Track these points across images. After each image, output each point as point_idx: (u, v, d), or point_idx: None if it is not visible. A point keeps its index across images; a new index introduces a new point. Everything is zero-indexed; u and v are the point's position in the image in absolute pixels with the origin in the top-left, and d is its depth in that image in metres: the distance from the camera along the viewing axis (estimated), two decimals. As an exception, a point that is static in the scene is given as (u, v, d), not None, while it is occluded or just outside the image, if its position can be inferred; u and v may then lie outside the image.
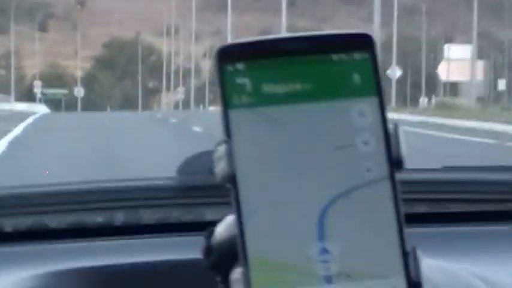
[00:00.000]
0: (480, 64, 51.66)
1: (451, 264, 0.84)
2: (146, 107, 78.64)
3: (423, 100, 60.04)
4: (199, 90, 78.54)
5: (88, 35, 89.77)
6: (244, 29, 73.85)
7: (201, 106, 70.06)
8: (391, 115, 0.55)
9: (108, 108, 73.97)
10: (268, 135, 0.50)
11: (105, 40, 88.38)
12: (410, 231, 0.48)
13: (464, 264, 0.87)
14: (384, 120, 0.49)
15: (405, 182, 0.51)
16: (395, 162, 0.49)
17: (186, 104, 72.92)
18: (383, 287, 0.47)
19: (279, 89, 0.50)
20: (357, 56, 0.49)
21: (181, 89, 74.61)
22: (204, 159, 0.73)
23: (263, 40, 0.50)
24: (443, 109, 41.40)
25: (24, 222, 0.96)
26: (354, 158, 0.49)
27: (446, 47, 61.00)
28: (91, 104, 75.63)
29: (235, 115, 0.49)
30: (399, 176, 0.49)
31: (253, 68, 0.50)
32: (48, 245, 0.95)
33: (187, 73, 76.14)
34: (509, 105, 48.00)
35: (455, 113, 31.17)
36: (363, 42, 0.49)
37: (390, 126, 0.50)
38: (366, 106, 0.49)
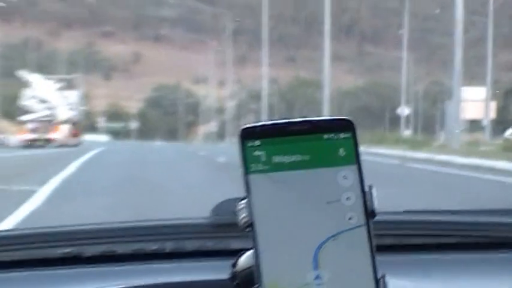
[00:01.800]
0: (493, 104, 54.99)
1: (411, 284, 1.01)
2: (185, 137, 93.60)
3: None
4: (225, 124, 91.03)
5: (141, 82, 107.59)
6: (255, 78, 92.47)
7: (227, 138, 79.78)
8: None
9: (157, 139, 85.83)
10: (277, 193, 0.73)
11: (154, 86, 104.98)
12: (380, 259, 0.69)
13: (422, 284, 1.05)
14: (361, 181, 0.73)
15: (379, 222, 0.72)
16: (369, 213, 0.72)
17: (215, 135, 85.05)
18: None
19: (285, 159, 0.73)
20: (342, 135, 0.73)
21: (213, 123, 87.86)
22: (230, 204, 0.86)
23: (274, 124, 0.74)
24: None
25: (97, 248, 1.18)
26: (340, 210, 0.72)
27: (463, 89, 71.22)
28: (143, 134, 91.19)
29: (252, 178, 0.74)
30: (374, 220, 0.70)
31: (266, 144, 0.74)
32: (125, 266, 1.18)
33: (216, 111, 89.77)
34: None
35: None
36: (347, 125, 0.73)
37: (366, 185, 0.73)
38: (349, 172, 0.72)
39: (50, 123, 39.49)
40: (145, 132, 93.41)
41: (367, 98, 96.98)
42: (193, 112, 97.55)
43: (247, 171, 0.74)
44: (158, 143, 77.27)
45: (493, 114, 49.19)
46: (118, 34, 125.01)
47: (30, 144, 35.70)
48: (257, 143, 0.73)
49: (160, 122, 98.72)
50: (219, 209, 1.17)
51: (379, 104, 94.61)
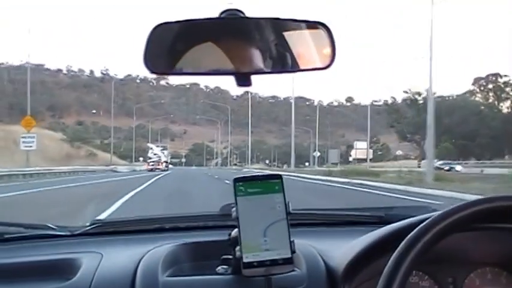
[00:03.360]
0: (370, 151, 75.43)
1: (302, 241, 1.75)
2: (206, 164, 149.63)
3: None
4: (226, 158, 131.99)
5: (187, 142, 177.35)
6: (237, 140, 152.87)
7: (229, 165, 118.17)
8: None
9: (193, 165, 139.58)
10: (249, 205, 1.55)
11: (192, 143, 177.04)
12: (292, 231, 1.52)
13: (310, 241, 1.84)
14: (285, 199, 1.55)
15: (293, 214, 1.52)
16: (288, 213, 1.54)
17: (219, 164, 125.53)
18: (282, 255, 1.53)
19: (253, 190, 1.54)
20: (277, 180, 1.54)
21: (217, 160, 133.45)
22: (229, 206, 1.59)
23: (249, 176, 1.55)
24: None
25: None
26: (275, 211, 1.54)
27: (354, 143, 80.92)
28: (187, 164, 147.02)
29: (238, 199, 1.55)
30: (291, 215, 1.54)
31: (244, 184, 1.54)
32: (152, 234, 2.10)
33: (219, 153, 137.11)
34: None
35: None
36: (279, 177, 1.55)
37: (287, 201, 1.55)
38: (279, 195, 1.54)
39: (158, 162, 72.94)
40: (188, 163, 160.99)
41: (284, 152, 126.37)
42: (209, 154, 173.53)
43: (236, 195, 1.53)
44: (193, 167, 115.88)
45: (370, 156, 69.89)
46: (176, 121, 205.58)
47: (150, 170, 65.83)
48: (241, 183, 1.52)
49: (194, 159, 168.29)
50: (224, 207, 2.06)
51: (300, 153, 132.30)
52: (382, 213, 2.24)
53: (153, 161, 74.17)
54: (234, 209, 1.59)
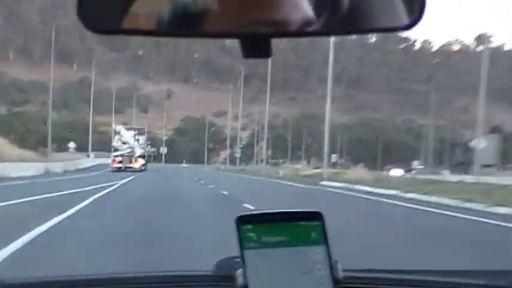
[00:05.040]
0: None
1: None
2: (209, 159, 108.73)
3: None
4: (241, 151, 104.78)
5: (171, 115, 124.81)
6: (263, 113, 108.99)
7: (244, 164, 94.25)
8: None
9: (183, 161, 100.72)
10: (265, 266, 0.97)
11: (182, 117, 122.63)
12: None
13: None
14: (329, 257, 0.95)
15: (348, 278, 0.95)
16: (335, 281, 0.94)
17: (231, 160, 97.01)
18: None
19: (271, 239, 0.96)
20: (314, 223, 0.97)
21: (230, 150, 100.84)
22: (230, 262, 1.12)
23: (263, 213, 0.98)
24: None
25: None
26: (312, 278, 0.94)
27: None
28: (171, 158, 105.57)
29: (247, 254, 0.97)
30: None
31: (256, 228, 0.97)
32: None
33: (232, 139, 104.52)
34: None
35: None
36: (318, 216, 0.99)
37: (333, 260, 0.94)
38: (319, 250, 0.96)
39: (130, 157, 58.49)
40: (173, 156, 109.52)
41: (359, 131, 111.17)
42: (214, 139, 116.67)
43: (242, 247, 0.99)
44: (183, 166, 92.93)
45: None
46: (155, 77, 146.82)
47: (118, 170, 53.55)
48: (249, 227, 0.98)
49: (186, 147, 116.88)
50: (221, 263, 1.27)
51: (371, 135, 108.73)
52: (487, 280, 1.50)
53: (121, 155, 59.04)
54: (240, 270, 1.04)
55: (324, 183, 39.01)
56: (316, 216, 0.99)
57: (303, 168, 76.50)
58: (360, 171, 50.66)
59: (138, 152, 60.99)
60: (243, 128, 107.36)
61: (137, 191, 23.90)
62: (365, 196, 25.85)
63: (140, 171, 54.76)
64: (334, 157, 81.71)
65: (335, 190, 31.61)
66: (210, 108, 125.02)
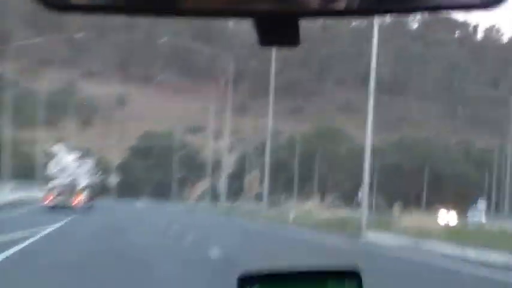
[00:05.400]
0: None
1: None
2: (179, 194, 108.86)
3: None
4: (225, 180, 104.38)
5: (125, 129, 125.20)
6: (257, 128, 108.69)
7: (230, 201, 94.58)
8: None
9: (142, 196, 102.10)
10: None
11: (140, 133, 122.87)
12: None
13: None
14: None
15: None
16: None
17: (211, 195, 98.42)
18: None
19: None
20: (347, 282, 1.14)
21: (207, 182, 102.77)
22: None
23: (276, 273, 1.19)
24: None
25: None
26: None
27: None
28: (125, 190, 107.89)
29: None
30: None
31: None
32: None
33: (214, 166, 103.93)
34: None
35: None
36: (354, 274, 1.19)
37: None
38: None
39: (71, 190, 61.78)
40: (128, 187, 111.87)
41: (397, 156, 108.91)
42: (187, 165, 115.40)
43: None
44: (143, 202, 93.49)
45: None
46: (101, 74, 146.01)
47: (52, 208, 56.25)
48: (256, 286, 1.06)
49: (146, 176, 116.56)
50: None
51: (414, 162, 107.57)
52: None
53: (58, 187, 61.00)
54: None
55: (370, 236, 38.57)
56: (353, 274, 0.93)
57: (315, 207, 77.45)
58: (417, 217, 50.68)
59: (83, 182, 64.55)
60: (229, 149, 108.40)
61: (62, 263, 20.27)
62: (472, 269, 23.55)
63: (83, 211, 56.62)
64: (360, 194, 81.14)
65: (401, 252, 29.92)
66: (181, 120, 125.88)
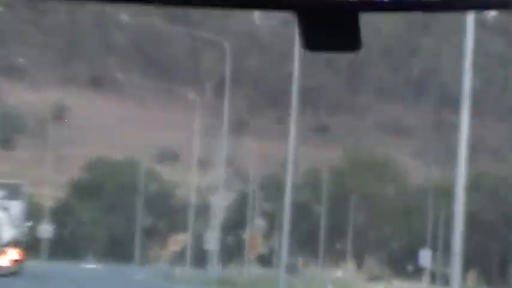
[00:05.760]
0: None
1: None
2: (144, 254, 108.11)
3: None
4: (215, 234, 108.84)
5: (64, 154, 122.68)
6: (267, 156, 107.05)
7: (221, 265, 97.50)
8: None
9: (88, 257, 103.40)
10: None
11: (86, 161, 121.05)
12: None
13: None
14: None
15: None
16: None
17: (197, 257, 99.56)
18: None
19: None
20: None
21: (187, 235, 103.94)
22: None
23: None
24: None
25: None
26: None
27: None
28: (62, 248, 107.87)
29: None
30: None
31: None
32: None
33: (199, 211, 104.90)
34: None
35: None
36: None
37: None
38: None
39: None
40: (69, 242, 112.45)
41: (477, 202, 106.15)
42: (158, 209, 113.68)
43: None
44: (88, 269, 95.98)
45: None
46: (30, 72, 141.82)
47: None
48: None
49: (97, 226, 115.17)
50: None
51: (497, 211, 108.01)
52: None
53: None
54: None
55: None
56: None
57: (351, 278, 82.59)
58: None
59: (8, 234, 66.50)
60: (222, 187, 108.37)
61: None
62: None
63: (3, 282, 58.84)
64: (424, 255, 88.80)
65: None
66: (148, 143, 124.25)
